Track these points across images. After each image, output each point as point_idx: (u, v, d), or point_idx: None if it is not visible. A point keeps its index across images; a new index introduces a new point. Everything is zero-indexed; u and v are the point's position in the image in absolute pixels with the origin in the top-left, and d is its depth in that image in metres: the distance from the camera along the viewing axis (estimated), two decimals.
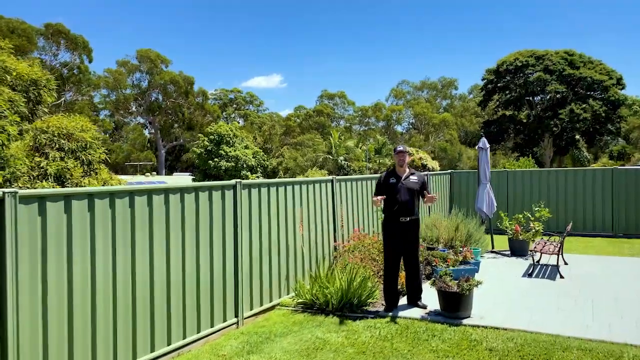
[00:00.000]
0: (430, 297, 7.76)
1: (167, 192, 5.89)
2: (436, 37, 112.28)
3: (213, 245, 6.58)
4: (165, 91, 62.08)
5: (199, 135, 37.07)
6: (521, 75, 45.17)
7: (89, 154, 11.12)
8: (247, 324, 7.08)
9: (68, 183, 10.64)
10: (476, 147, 13.02)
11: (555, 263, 9.95)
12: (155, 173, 48.21)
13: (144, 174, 42.23)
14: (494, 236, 13.00)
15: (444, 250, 10.49)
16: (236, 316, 6.97)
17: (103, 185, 10.79)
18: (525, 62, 44.58)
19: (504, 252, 12.08)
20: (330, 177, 9.72)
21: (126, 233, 5.34)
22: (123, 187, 5.35)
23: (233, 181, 7.05)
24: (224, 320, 6.77)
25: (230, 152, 33.28)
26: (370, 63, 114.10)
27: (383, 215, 7.57)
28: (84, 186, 10.46)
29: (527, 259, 11.25)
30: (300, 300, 7.81)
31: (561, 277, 9.33)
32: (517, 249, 11.74)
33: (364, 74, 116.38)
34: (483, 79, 48.40)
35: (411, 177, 7.41)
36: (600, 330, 6.31)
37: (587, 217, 14.77)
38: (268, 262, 7.68)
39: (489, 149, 12.47)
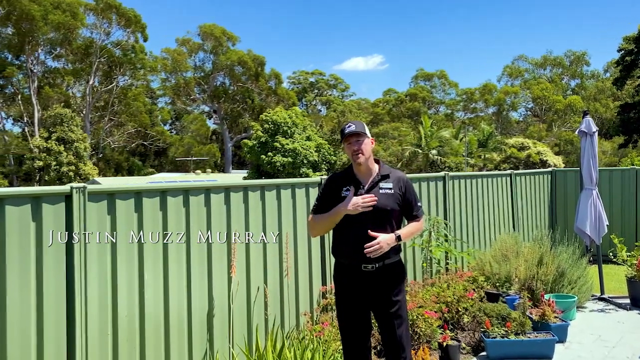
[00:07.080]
0: None
1: None
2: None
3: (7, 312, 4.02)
4: (232, 74, 61.13)
5: (252, 123, 35.23)
6: None
7: None
8: None
9: None
10: (576, 132, 9.69)
11: None
12: (210, 170, 47.00)
13: (194, 172, 41.11)
14: (605, 272, 9.55)
15: (513, 300, 7.38)
16: None
17: None
18: None
19: (618, 301, 8.67)
20: (317, 179, 6.94)
21: None
22: None
23: (67, 187, 4.42)
24: None
25: (287, 144, 30.97)
26: (479, 33, 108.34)
27: (333, 258, 4.58)
28: None
29: None
30: None
31: None
32: None
33: (470, 48, 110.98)
34: (619, 50, 43.47)
35: (382, 184, 4.11)
36: None
37: None
38: (163, 334, 5.01)
39: (596, 135, 9.13)
